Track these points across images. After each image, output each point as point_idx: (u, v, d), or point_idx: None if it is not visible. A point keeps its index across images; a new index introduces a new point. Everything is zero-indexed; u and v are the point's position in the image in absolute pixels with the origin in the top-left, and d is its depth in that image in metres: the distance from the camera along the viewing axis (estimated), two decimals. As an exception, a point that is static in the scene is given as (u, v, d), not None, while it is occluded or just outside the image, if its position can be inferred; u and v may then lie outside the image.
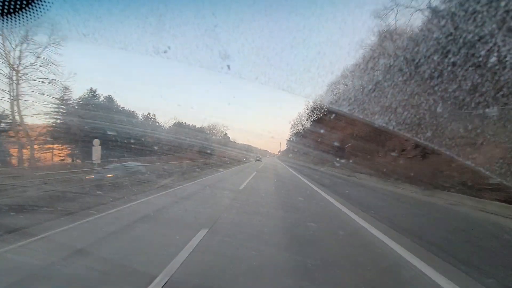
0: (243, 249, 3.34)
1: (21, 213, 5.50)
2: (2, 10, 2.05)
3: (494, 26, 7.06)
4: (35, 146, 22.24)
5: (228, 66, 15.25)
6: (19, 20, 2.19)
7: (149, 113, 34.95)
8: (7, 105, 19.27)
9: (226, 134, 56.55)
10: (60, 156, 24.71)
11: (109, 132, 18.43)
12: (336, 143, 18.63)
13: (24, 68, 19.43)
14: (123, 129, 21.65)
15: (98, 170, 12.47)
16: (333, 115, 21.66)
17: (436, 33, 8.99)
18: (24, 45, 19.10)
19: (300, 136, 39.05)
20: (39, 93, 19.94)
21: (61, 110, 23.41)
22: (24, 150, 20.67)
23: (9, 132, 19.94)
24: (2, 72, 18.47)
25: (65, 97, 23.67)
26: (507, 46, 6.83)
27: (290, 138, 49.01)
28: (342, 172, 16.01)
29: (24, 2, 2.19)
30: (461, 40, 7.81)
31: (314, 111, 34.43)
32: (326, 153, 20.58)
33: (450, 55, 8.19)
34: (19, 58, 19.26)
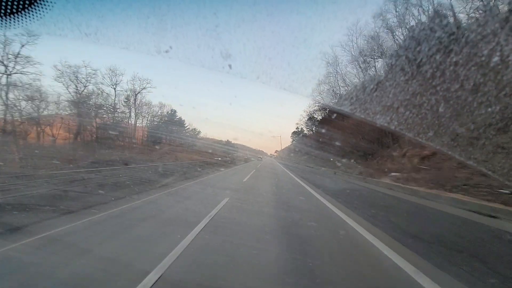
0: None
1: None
2: (5, 10, 2.03)
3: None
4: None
5: (230, 66, 15.20)
6: (22, 20, 2.19)
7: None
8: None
9: (175, 112, 33.59)
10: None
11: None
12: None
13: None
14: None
15: None
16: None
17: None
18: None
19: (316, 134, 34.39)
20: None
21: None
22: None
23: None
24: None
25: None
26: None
27: (299, 129, 45.91)
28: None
29: (27, 2, 2.20)
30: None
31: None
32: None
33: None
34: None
